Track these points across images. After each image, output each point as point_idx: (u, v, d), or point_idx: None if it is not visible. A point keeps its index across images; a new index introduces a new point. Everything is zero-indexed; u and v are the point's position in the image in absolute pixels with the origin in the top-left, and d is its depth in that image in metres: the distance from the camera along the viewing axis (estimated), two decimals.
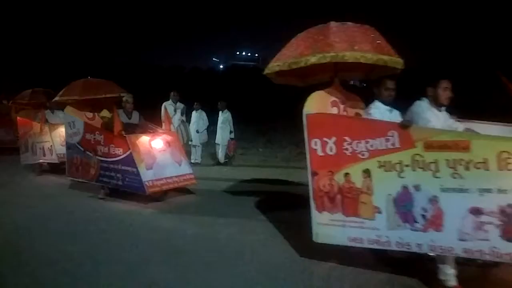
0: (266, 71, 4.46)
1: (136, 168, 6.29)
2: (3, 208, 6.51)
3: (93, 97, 7.55)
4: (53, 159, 9.18)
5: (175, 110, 9.79)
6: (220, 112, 10.31)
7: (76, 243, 4.75)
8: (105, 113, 7.69)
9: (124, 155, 6.47)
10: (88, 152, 7.12)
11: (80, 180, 7.40)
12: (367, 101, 4.41)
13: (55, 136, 9.18)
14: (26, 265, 4.15)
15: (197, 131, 10.43)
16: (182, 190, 7.12)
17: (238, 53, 60.92)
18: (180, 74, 34.95)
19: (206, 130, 10.73)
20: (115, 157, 6.62)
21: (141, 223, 5.57)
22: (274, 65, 4.33)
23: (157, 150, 6.69)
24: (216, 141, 10.40)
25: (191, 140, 10.34)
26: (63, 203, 6.82)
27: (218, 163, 10.46)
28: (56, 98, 7.76)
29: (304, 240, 4.14)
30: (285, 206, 6.20)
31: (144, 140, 6.61)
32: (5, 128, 12.76)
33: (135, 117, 7.18)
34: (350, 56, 3.87)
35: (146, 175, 6.29)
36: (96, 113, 8.02)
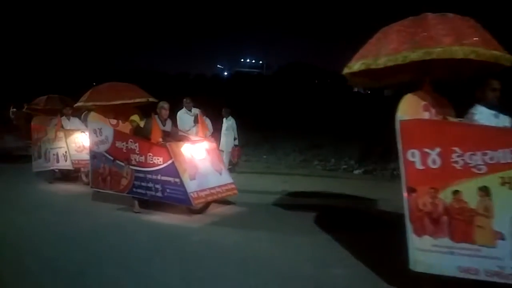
0: (347, 70, 3.93)
1: (180, 178, 5.76)
2: (18, 218, 5.98)
3: (122, 102, 6.92)
4: (67, 165, 8.69)
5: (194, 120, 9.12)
6: (224, 119, 10.10)
7: (118, 263, 4.27)
8: (135, 118, 7.09)
9: (165, 164, 5.93)
10: (118, 162, 6.54)
11: (107, 191, 6.82)
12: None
13: (71, 142, 8.69)
14: None
15: None
16: (221, 201, 6.60)
17: (242, 60, 61.02)
18: (185, 80, 34.65)
19: (209, 137, 10.45)
20: (153, 166, 6.08)
21: (199, 240, 5.14)
22: (359, 64, 3.80)
23: (198, 158, 6.16)
24: (220, 148, 9.90)
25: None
26: (90, 215, 6.26)
27: None
28: (80, 103, 7.13)
29: (390, 265, 3.64)
30: (340, 223, 5.76)
31: (185, 148, 6.10)
32: (14, 135, 12.45)
33: (168, 125, 6.72)
34: (460, 51, 3.34)
35: (191, 186, 5.78)
36: (119, 120, 7.42)
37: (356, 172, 10.56)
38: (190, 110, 8.17)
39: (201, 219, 5.96)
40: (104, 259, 4.44)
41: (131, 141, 6.39)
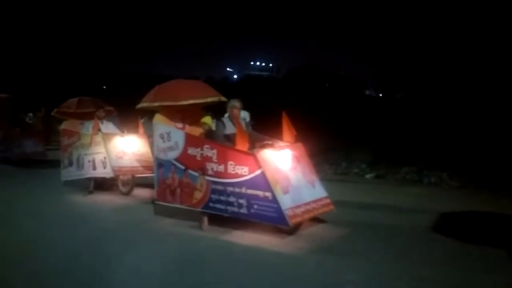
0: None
1: (272, 192, 4.79)
2: (54, 234, 5.09)
3: (193, 102, 6.03)
4: (107, 172, 7.81)
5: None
6: None
7: None
8: (207, 120, 6.20)
9: (252, 175, 4.98)
10: (191, 171, 5.62)
11: (176, 205, 5.90)
12: None
13: (110, 147, 7.81)
14: None
15: None
16: (312, 218, 5.55)
17: (252, 63, 60.58)
18: None
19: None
20: (236, 177, 5.13)
21: (303, 273, 4.12)
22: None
23: (288, 168, 5.18)
24: None
25: None
26: (148, 232, 5.35)
27: None
28: (145, 104, 6.26)
29: None
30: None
31: (273, 156, 5.12)
32: (34, 140, 11.99)
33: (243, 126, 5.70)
34: None
35: (285, 202, 4.80)
36: (186, 123, 6.53)
37: (367, 176, 10.07)
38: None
39: (293, 243, 4.92)
40: None
41: (207, 147, 5.46)
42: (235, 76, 46.73)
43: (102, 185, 8.44)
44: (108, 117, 8.69)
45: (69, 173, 8.55)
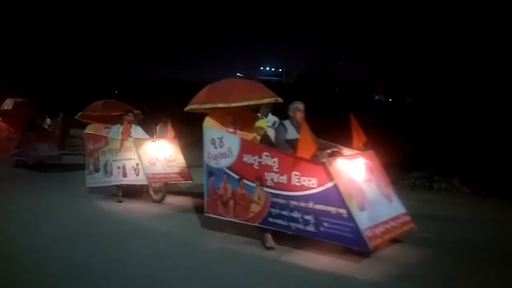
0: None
1: (347, 208, 4.09)
2: (99, 246, 4.54)
3: (249, 104, 5.40)
4: (140, 180, 7.22)
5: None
6: None
7: None
8: (262, 124, 5.56)
9: (322, 188, 4.31)
10: (247, 181, 5.00)
11: (228, 219, 5.29)
12: None
13: (143, 153, 7.21)
14: None
15: None
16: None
17: (262, 68, 60.30)
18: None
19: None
20: (302, 190, 4.47)
21: None
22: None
23: (362, 180, 4.47)
24: None
25: None
26: (199, 251, 4.74)
27: None
28: (194, 106, 5.66)
29: None
30: None
31: (346, 165, 4.42)
32: (49, 143, 11.98)
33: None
34: None
35: (363, 220, 4.11)
36: (237, 127, 5.92)
37: None
38: (266, 116, 6.60)
39: (370, 267, 4.22)
40: None
41: (266, 155, 4.82)
42: None
43: (129, 192, 7.92)
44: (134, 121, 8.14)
45: (95, 180, 8.09)
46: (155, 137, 8.01)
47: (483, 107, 13.98)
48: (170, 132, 7.67)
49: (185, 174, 7.39)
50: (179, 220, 6.34)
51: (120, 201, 7.50)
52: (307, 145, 4.47)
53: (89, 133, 8.40)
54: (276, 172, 4.73)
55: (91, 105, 8.91)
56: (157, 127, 8.23)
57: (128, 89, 31.08)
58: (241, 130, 5.93)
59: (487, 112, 13.23)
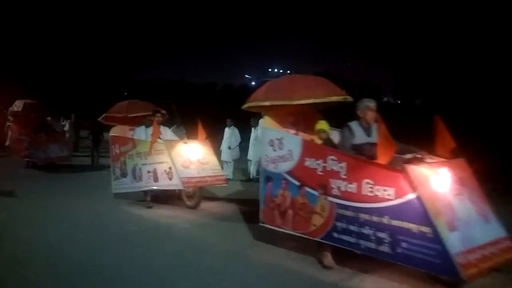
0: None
1: (433, 227, 3.32)
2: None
3: (314, 101, 4.77)
4: (174, 184, 6.72)
5: None
6: (253, 129, 9.77)
7: None
8: (324, 126, 4.92)
9: (400, 200, 3.57)
10: (309, 189, 4.36)
11: (286, 231, 4.67)
12: None
13: (176, 156, 6.73)
14: None
15: (229, 148, 10.22)
16: None
17: (270, 69, 59.45)
18: (212, 91, 33.36)
19: (238, 146, 10.59)
20: (375, 202, 3.75)
21: None
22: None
23: (451, 193, 3.64)
24: (248, 157, 10.17)
25: None
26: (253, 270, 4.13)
27: (250, 179, 9.92)
28: (251, 103, 5.16)
29: None
30: None
31: (431, 175, 3.63)
32: (59, 144, 12.02)
33: (374, 133, 4.29)
34: None
35: (453, 243, 3.31)
36: (297, 128, 5.30)
37: None
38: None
39: None
40: None
41: (333, 159, 4.16)
42: (253, 83, 46.08)
43: (158, 197, 7.56)
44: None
45: (122, 185, 7.63)
46: (185, 138, 7.65)
47: (496, 110, 13.63)
48: (202, 133, 7.26)
49: (220, 177, 6.96)
50: (220, 230, 5.84)
51: (149, 207, 7.14)
52: (386, 149, 3.74)
53: (115, 135, 8.02)
54: (343, 179, 4.04)
55: (114, 106, 8.62)
56: (171, 129, 7.85)
57: (138, 91, 31.72)
58: (303, 132, 5.32)
59: (500, 114, 12.85)
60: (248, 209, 6.68)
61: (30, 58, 34.50)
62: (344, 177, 4.04)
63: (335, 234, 4.12)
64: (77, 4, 50.34)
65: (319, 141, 4.89)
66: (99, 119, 8.80)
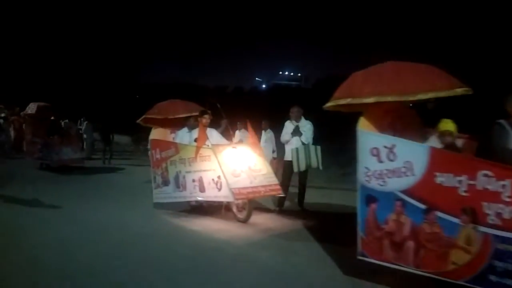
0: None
1: None
2: None
3: (437, 95, 3.63)
4: (225, 196, 5.73)
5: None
6: (263, 132, 9.67)
7: None
8: (448, 126, 3.82)
9: None
10: (444, 214, 3.24)
11: (404, 268, 3.56)
12: None
13: (225, 162, 5.73)
14: None
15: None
16: None
17: (280, 72, 59.68)
18: (223, 93, 33.11)
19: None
20: None
21: None
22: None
23: None
24: None
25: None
26: None
27: None
28: (340, 101, 3.96)
29: None
30: None
31: None
32: (72, 147, 12.05)
33: None
34: None
35: None
36: (396, 132, 4.17)
37: None
38: (297, 120, 6.69)
39: None
40: None
41: (486, 174, 3.02)
42: (264, 86, 45.77)
43: (199, 208, 6.61)
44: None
45: (164, 194, 6.76)
46: (233, 141, 6.68)
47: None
48: (252, 136, 6.28)
49: (274, 187, 5.90)
50: (285, 251, 4.73)
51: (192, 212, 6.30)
52: None
53: (155, 139, 7.21)
54: (506, 203, 2.93)
55: (154, 107, 7.80)
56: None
57: (150, 94, 31.16)
58: (400, 135, 4.17)
59: None
60: (310, 223, 5.91)
61: (43, 61, 34.46)
62: (508, 200, 2.92)
63: (492, 277, 3.00)
64: (89, 8, 49.46)
65: (439, 146, 3.77)
66: (138, 121, 7.88)
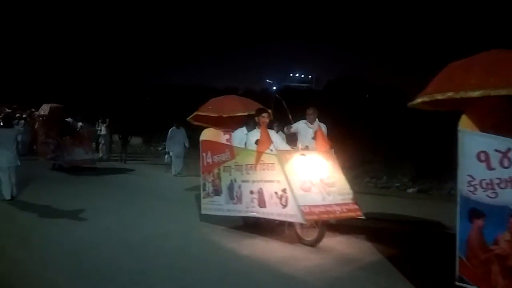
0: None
1: None
2: None
3: None
4: (289, 214, 4.73)
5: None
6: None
7: None
8: None
9: None
10: None
11: None
12: None
13: (292, 173, 4.80)
14: None
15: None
16: None
17: (291, 74, 60.11)
18: (234, 95, 32.82)
19: None
20: None
21: None
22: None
23: None
24: None
25: None
26: None
27: None
28: (438, 95, 3.30)
29: None
30: None
31: None
32: (84, 147, 12.06)
33: None
34: None
35: None
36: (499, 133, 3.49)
37: (409, 190, 10.01)
38: (311, 123, 6.34)
39: None
40: None
41: None
42: (274, 88, 46.37)
43: (252, 223, 5.59)
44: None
45: (214, 205, 5.86)
46: (298, 147, 5.92)
47: None
48: (324, 141, 5.35)
49: (352, 206, 4.85)
50: None
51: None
52: None
53: (207, 140, 6.18)
54: None
55: (207, 103, 6.78)
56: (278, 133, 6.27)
57: (161, 96, 31.01)
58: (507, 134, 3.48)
59: None
60: (396, 253, 4.75)
61: (57, 63, 35.54)
62: None
63: None
64: (104, 12, 50.01)
65: None
66: (188, 118, 7.01)
